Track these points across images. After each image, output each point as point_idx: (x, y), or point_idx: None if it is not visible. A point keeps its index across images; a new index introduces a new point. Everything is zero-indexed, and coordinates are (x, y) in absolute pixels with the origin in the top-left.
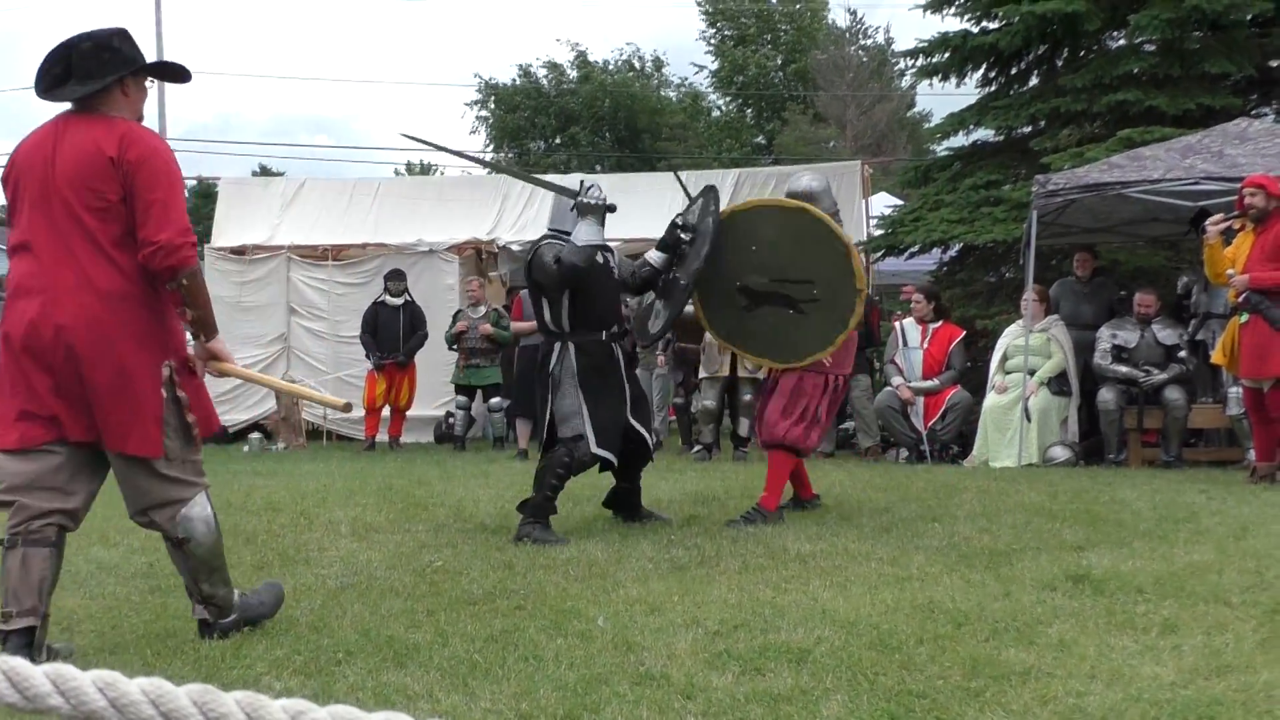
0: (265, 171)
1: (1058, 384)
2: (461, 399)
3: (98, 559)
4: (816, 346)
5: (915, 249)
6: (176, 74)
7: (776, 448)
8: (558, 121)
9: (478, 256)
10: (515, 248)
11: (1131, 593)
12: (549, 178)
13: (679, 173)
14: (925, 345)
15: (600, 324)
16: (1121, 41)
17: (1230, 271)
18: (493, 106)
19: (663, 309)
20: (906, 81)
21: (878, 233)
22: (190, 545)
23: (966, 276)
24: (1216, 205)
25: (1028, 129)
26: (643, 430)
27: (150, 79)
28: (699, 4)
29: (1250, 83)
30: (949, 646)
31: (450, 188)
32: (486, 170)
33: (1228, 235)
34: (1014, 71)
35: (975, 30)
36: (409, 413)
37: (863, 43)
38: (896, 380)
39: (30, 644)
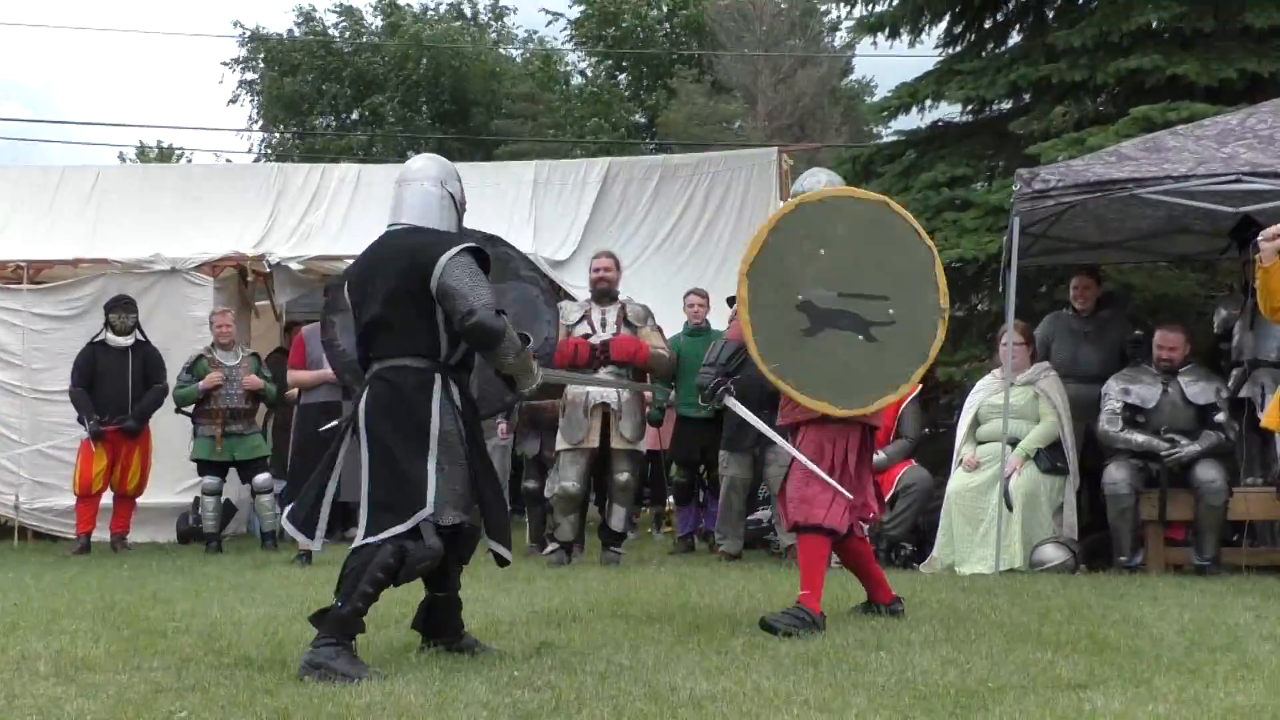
0: None
1: (1049, 458)
2: (211, 480)
3: None
4: (883, 387)
5: None
6: None
7: (805, 531)
8: (354, 89)
9: (241, 278)
10: (295, 266)
11: None
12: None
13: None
14: None
15: (468, 358)
16: None
17: None
18: (261, 67)
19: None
20: (840, 38)
21: None
22: None
23: None
24: (1267, 212)
25: (1006, 104)
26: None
27: None
28: None
29: None
30: None
31: (203, 180)
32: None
33: None
34: (987, 25)
35: None
36: (141, 500)
37: None
38: None
39: None
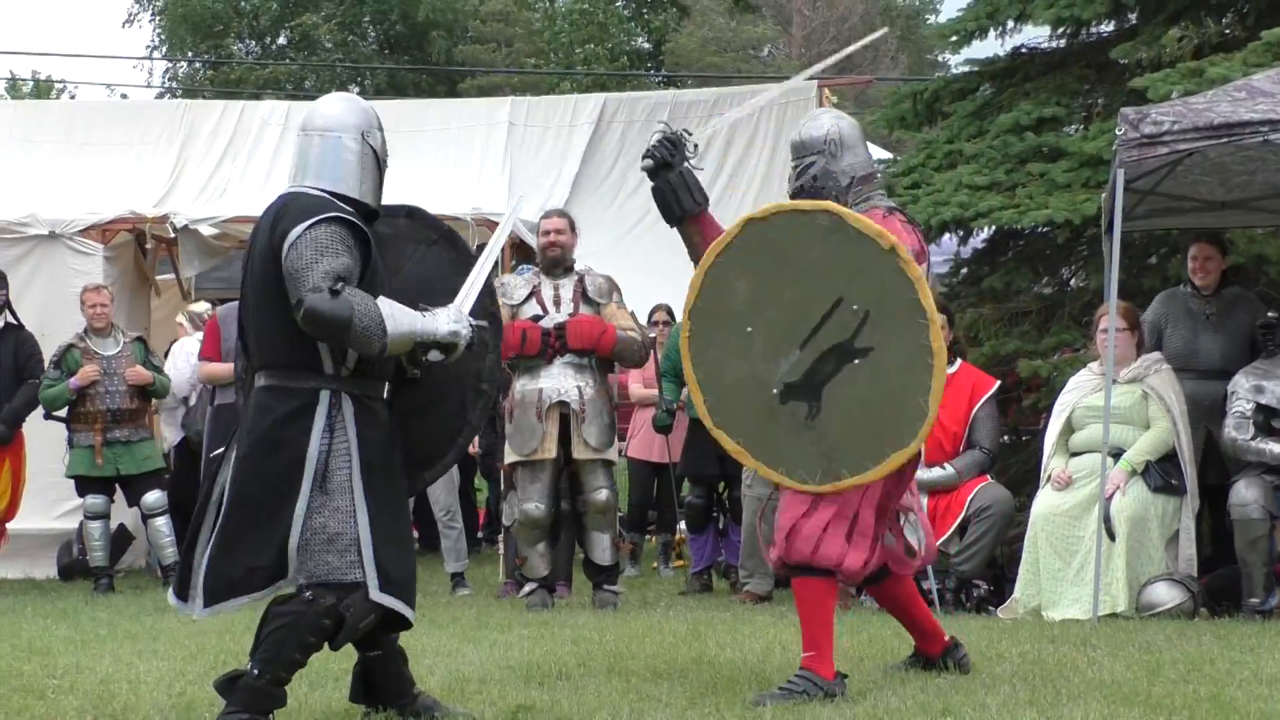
0: None
1: (1161, 474)
2: (95, 500)
3: None
4: (918, 392)
5: None
6: None
7: (798, 573)
8: (281, 6)
9: (138, 245)
10: (207, 230)
11: None
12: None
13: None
14: None
15: (381, 369)
16: None
17: None
18: None
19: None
20: None
21: None
22: None
23: (1001, 285)
24: None
25: (1108, 27)
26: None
27: None
28: None
29: None
30: None
31: (91, 121)
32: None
33: None
34: None
35: None
36: (12, 526)
37: None
38: None
39: None
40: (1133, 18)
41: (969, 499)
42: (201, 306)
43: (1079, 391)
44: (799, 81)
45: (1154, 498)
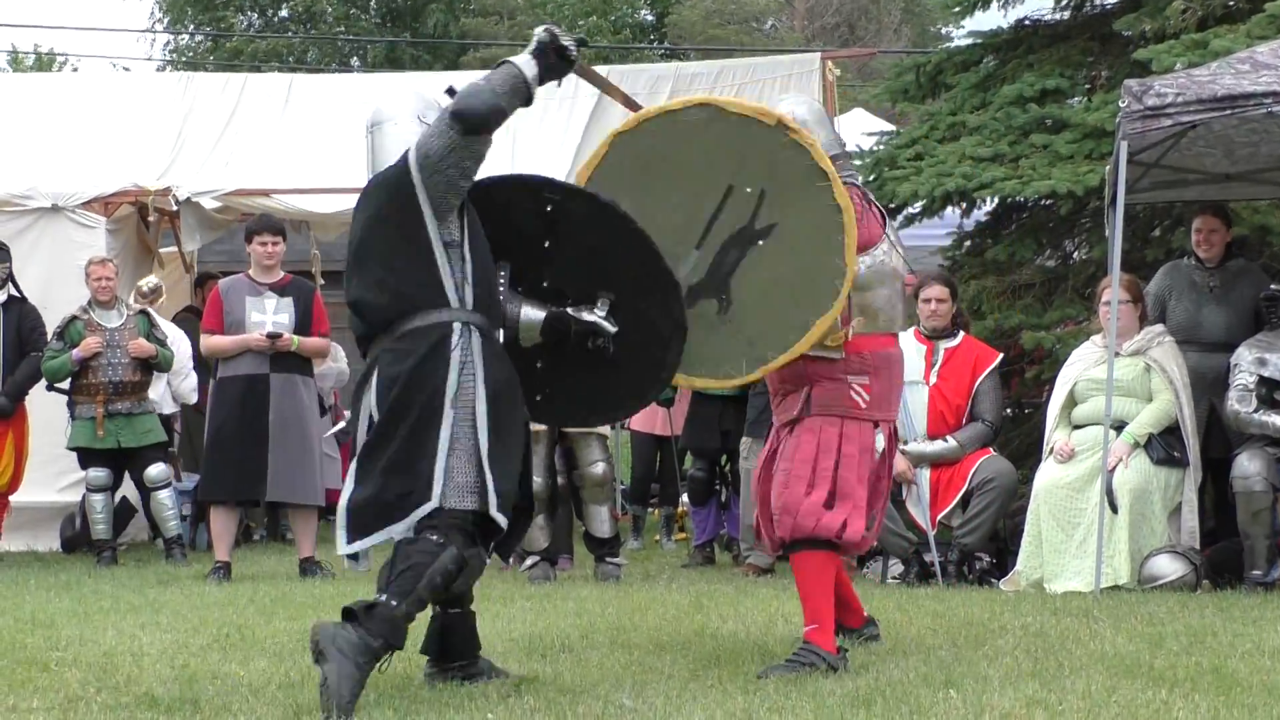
0: None
1: (1164, 446)
2: (97, 473)
3: None
4: (832, 267)
5: (916, 209)
6: None
7: (799, 547)
8: None
9: (141, 218)
10: (209, 203)
11: None
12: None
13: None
14: (933, 379)
15: (496, 306)
16: None
17: None
18: None
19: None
20: None
21: None
22: None
23: (1004, 257)
24: None
25: None
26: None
27: None
28: None
29: None
30: None
31: (93, 94)
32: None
33: None
34: None
35: None
36: (15, 499)
37: None
38: (883, 441)
39: None
40: None
41: (972, 472)
42: (152, 282)
43: (1081, 364)
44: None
45: (1156, 470)
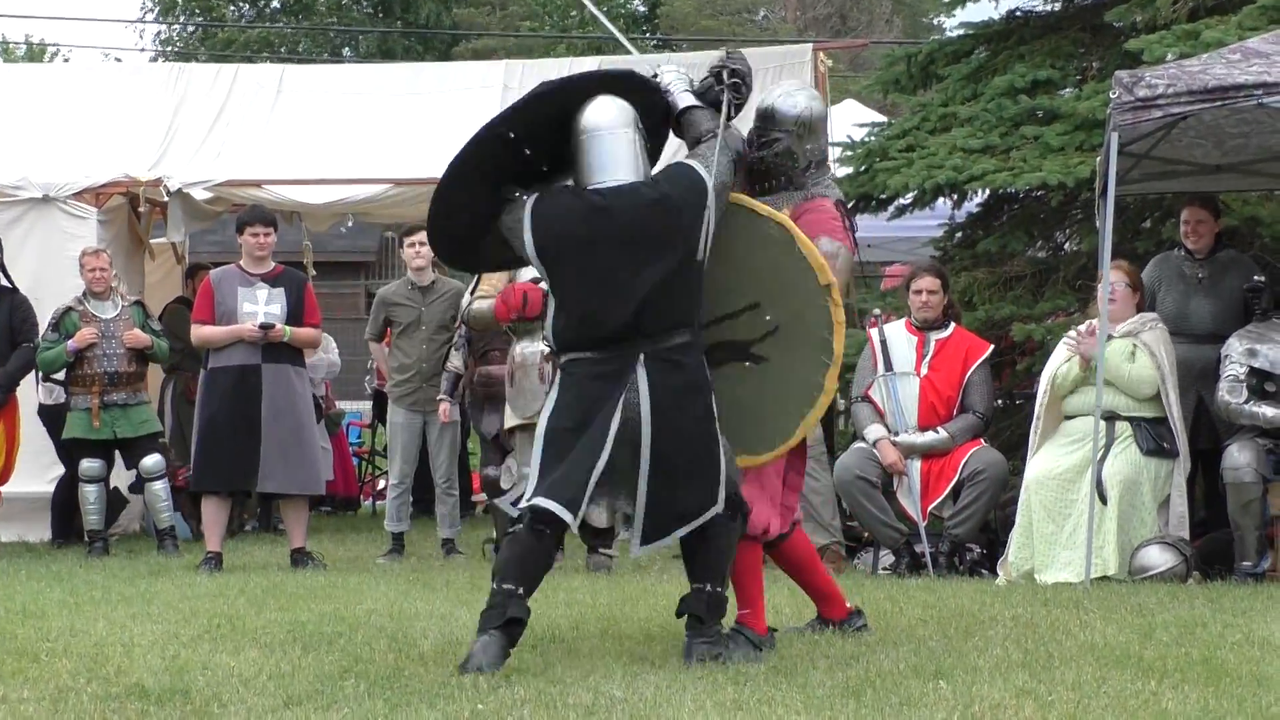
0: None
1: (1154, 437)
2: (91, 464)
3: None
4: (793, 416)
5: (907, 200)
6: None
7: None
8: None
9: (132, 209)
10: (200, 194)
11: None
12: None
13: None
14: (925, 370)
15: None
16: None
17: None
18: None
19: None
20: None
21: (842, 172)
22: None
23: (995, 248)
24: None
25: None
26: None
27: None
28: None
29: None
30: None
31: (84, 85)
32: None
33: None
34: None
35: None
36: (7, 489)
37: None
38: (874, 432)
39: None
40: None
41: (962, 463)
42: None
43: (1056, 361)
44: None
45: (1146, 461)
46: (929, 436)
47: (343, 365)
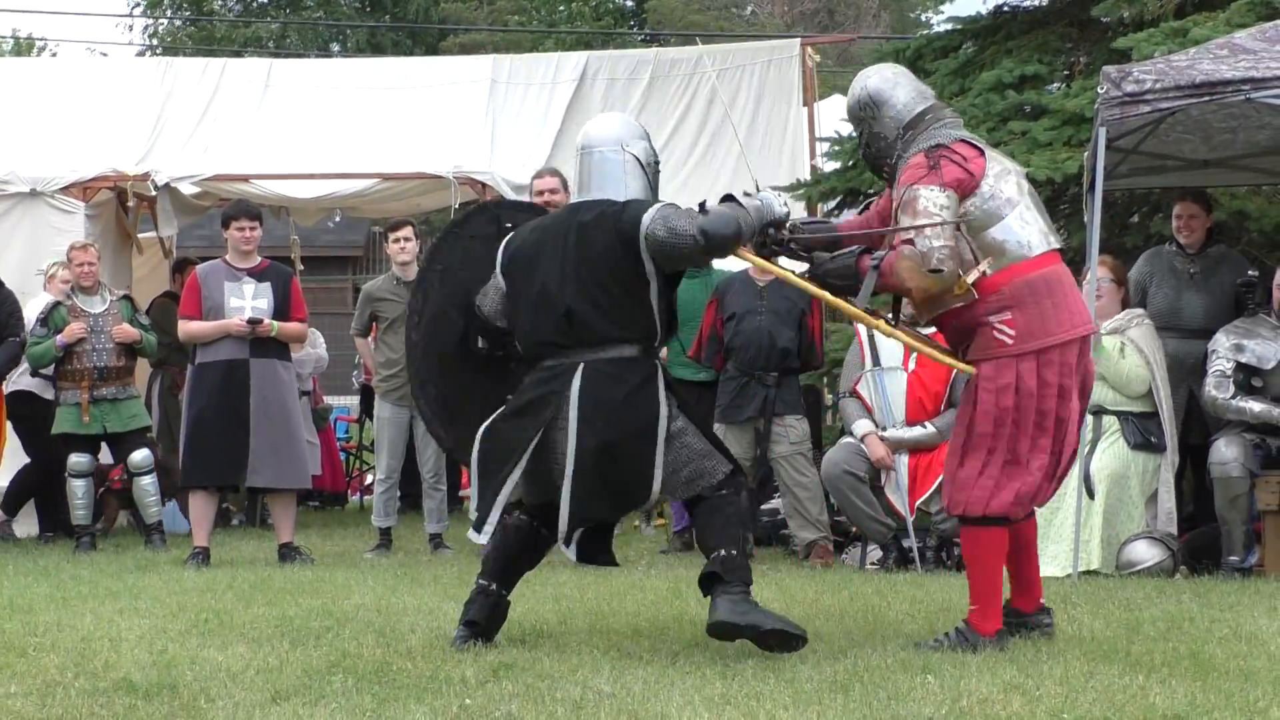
0: None
1: (1141, 431)
2: (79, 459)
3: None
4: None
5: None
6: None
7: (970, 524)
8: None
9: (119, 204)
10: (188, 188)
11: None
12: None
13: None
14: (912, 365)
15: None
16: None
17: None
18: None
19: None
20: None
21: (829, 167)
22: None
23: None
24: None
25: None
26: None
27: None
28: None
29: None
30: None
31: (72, 79)
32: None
33: None
34: None
35: None
36: None
37: None
38: (862, 427)
39: None
40: None
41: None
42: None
43: None
44: None
45: (1134, 455)
46: (916, 431)
47: (330, 360)
